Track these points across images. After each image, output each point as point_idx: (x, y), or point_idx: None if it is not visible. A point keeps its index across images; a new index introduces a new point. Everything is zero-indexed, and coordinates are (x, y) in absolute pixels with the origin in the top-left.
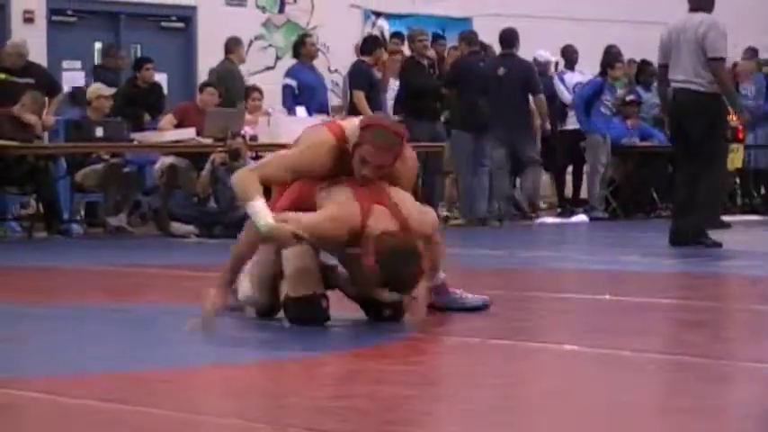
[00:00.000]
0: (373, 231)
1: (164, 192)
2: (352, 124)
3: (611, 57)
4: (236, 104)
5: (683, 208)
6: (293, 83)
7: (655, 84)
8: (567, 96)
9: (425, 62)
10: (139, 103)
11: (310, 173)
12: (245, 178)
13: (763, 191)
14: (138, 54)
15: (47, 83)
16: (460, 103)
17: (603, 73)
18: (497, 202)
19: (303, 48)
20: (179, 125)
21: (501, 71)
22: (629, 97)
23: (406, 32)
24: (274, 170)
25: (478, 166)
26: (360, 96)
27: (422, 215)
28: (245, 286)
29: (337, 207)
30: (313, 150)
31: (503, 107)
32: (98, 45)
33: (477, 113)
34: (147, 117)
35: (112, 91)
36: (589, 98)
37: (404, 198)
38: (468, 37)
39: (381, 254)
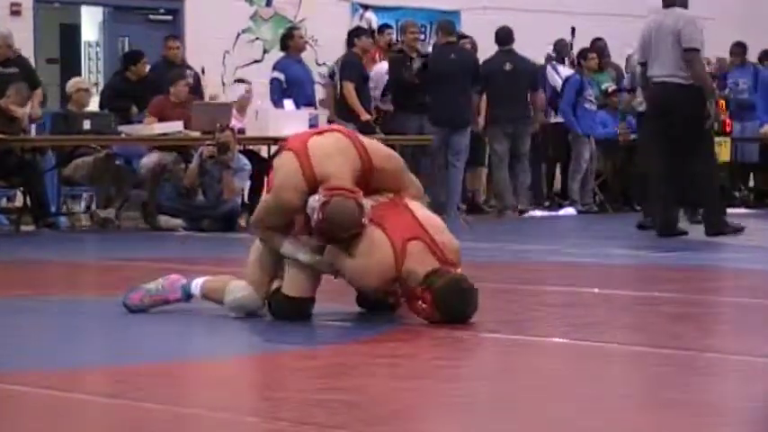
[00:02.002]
0: (417, 273)
1: (151, 187)
2: (321, 160)
3: (597, 49)
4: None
5: (669, 201)
6: (281, 76)
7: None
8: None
9: (415, 55)
10: (128, 97)
11: (297, 210)
12: (264, 237)
13: (752, 184)
14: (126, 47)
15: (29, 75)
16: (431, 97)
17: (580, 66)
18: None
19: (291, 41)
20: (158, 121)
21: (507, 66)
22: (612, 88)
23: (394, 25)
24: (269, 217)
25: (451, 162)
26: (350, 88)
27: (451, 241)
28: (234, 287)
29: (369, 263)
30: (286, 194)
31: (507, 102)
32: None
33: (449, 108)
34: (134, 110)
35: (92, 84)
36: (573, 99)
37: (430, 218)
38: (446, 27)
39: (439, 299)
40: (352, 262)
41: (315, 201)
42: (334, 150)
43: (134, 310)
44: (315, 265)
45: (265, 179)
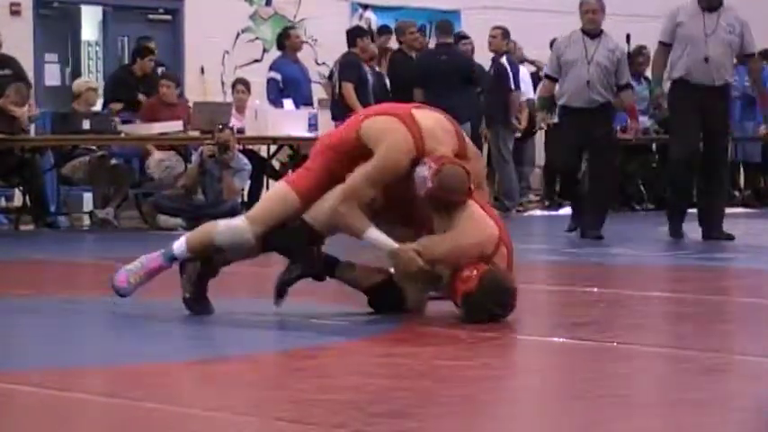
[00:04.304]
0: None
1: (189, 193)
2: (430, 131)
3: None
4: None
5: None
6: (278, 76)
7: (646, 74)
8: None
9: (414, 55)
10: (132, 90)
11: (393, 180)
12: (344, 214)
13: (762, 184)
14: (126, 47)
15: (21, 76)
16: (424, 97)
17: None
18: None
19: (288, 41)
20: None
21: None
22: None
23: (393, 25)
24: (367, 186)
25: None
26: (349, 88)
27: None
28: (224, 222)
29: (477, 234)
30: (398, 155)
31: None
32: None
33: (440, 107)
34: (142, 98)
35: (100, 84)
36: None
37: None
38: (443, 27)
39: (488, 275)
40: (455, 234)
41: (424, 170)
42: (440, 127)
43: (124, 294)
44: (399, 254)
45: (288, 170)
